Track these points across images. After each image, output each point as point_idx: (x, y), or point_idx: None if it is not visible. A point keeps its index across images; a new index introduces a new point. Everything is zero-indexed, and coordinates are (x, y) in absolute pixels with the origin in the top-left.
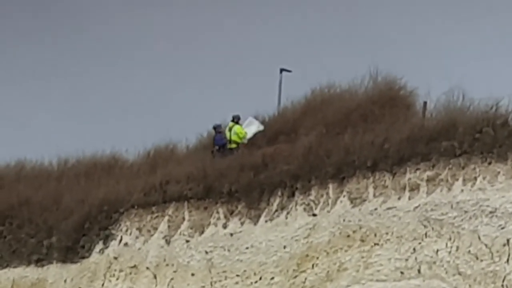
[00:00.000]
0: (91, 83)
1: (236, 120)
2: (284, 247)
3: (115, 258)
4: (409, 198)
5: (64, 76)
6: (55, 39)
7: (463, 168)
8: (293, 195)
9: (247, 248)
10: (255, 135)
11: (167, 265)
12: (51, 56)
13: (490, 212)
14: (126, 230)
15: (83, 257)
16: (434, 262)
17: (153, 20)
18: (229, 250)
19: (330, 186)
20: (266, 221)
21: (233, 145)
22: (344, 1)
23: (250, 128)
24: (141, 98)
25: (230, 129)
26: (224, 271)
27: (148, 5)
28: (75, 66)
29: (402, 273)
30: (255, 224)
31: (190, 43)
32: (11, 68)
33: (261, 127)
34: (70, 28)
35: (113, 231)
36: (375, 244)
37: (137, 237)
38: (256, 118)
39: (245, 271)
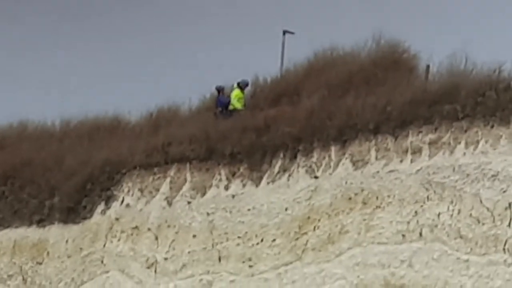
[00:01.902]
0: (94, 45)
1: (242, 85)
2: (286, 209)
3: (117, 219)
4: (411, 161)
5: (67, 37)
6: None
7: (465, 131)
8: (295, 157)
9: (248, 210)
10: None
11: (168, 226)
12: (53, 16)
13: (492, 176)
14: (128, 191)
15: (85, 218)
16: (436, 225)
17: None
18: (230, 212)
19: (332, 148)
20: (268, 183)
21: (232, 107)
22: None
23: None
24: (144, 60)
25: (233, 92)
26: (226, 233)
27: None
28: (78, 27)
29: (403, 236)
30: (257, 186)
31: (193, 4)
32: (12, 26)
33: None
34: None
35: (115, 192)
36: (377, 207)
37: (138, 198)
38: (258, 79)
39: (246, 232)
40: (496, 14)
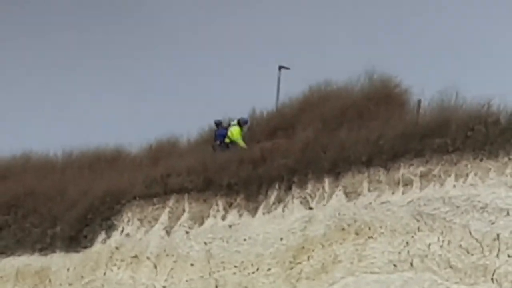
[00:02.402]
0: (95, 78)
1: (241, 123)
2: (281, 239)
3: (117, 248)
4: (403, 193)
5: (69, 71)
6: (61, 33)
7: (455, 164)
8: (290, 188)
9: (245, 239)
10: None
11: (167, 255)
12: (55, 51)
13: (481, 208)
14: (128, 221)
15: (86, 247)
16: (426, 256)
17: (158, 20)
18: (227, 242)
19: (326, 180)
20: (263, 214)
21: (228, 140)
22: (341, 0)
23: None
24: (144, 93)
25: (231, 127)
26: (223, 262)
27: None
28: (80, 61)
29: (395, 265)
30: (253, 216)
31: (192, 41)
32: (15, 62)
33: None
34: (78, 23)
35: (115, 222)
36: (369, 237)
37: (138, 228)
38: (254, 112)
39: (242, 262)
40: (485, 51)
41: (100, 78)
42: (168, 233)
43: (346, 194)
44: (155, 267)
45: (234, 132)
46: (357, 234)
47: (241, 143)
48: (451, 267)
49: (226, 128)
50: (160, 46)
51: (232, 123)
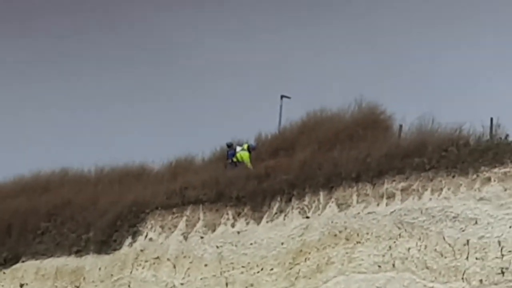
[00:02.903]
0: (124, 107)
1: (250, 149)
2: (282, 243)
3: (141, 250)
4: (386, 205)
5: (103, 99)
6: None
7: (431, 180)
8: (290, 200)
9: (251, 244)
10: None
11: (184, 257)
12: (91, 80)
13: (453, 217)
14: (151, 228)
15: (115, 250)
16: (406, 258)
17: (183, 56)
18: (236, 245)
19: (321, 193)
20: (267, 222)
21: (239, 160)
22: (335, 38)
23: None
24: (166, 119)
25: (241, 149)
26: (232, 263)
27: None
28: (112, 91)
29: (379, 266)
30: (258, 224)
31: (207, 75)
32: (49, 87)
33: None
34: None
35: (140, 228)
36: (357, 242)
37: (160, 234)
38: (260, 135)
39: (249, 263)
40: (458, 84)
41: (130, 106)
42: (185, 238)
43: (338, 205)
44: (174, 267)
45: (244, 156)
46: (347, 239)
47: (249, 165)
48: (427, 268)
49: (235, 149)
50: (181, 80)
51: (240, 147)
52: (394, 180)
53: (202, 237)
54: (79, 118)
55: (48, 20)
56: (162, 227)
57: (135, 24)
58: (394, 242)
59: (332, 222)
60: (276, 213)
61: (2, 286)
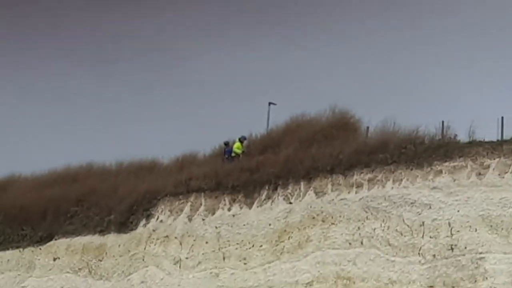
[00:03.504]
0: (142, 112)
1: (242, 140)
2: (269, 224)
3: (154, 230)
4: (355, 193)
5: (122, 107)
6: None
7: (392, 172)
8: (276, 189)
9: (244, 225)
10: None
11: (189, 235)
12: (110, 86)
13: (411, 203)
14: (161, 211)
15: (132, 229)
16: (372, 237)
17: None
18: (232, 226)
19: (302, 183)
20: (257, 207)
21: (234, 154)
22: (315, 54)
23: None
24: (174, 122)
25: (235, 144)
26: (228, 240)
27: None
28: (129, 99)
29: (350, 243)
30: (250, 208)
31: (208, 86)
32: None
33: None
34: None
35: (152, 212)
36: (331, 223)
37: (168, 216)
38: (251, 135)
39: (242, 240)
40: (415, 92)
41: (144, 112)
42: (189, 220)
43: (316, 193)
44: (181, 244)
45: (236, 146)
46: (323, 221)
47: (239, 152)
48: (389, 245)
49: (231, 147)
50: (187, 90)
51: (235, 141)
52: (362, 172)
53: (203, 219)
54: (103, 121)
55: (74, 21)
56: (170, 211)
57: (145, 33)
58: (362, 223)
59: (310, 207)
60: (264, 200)
61: (39, 260)
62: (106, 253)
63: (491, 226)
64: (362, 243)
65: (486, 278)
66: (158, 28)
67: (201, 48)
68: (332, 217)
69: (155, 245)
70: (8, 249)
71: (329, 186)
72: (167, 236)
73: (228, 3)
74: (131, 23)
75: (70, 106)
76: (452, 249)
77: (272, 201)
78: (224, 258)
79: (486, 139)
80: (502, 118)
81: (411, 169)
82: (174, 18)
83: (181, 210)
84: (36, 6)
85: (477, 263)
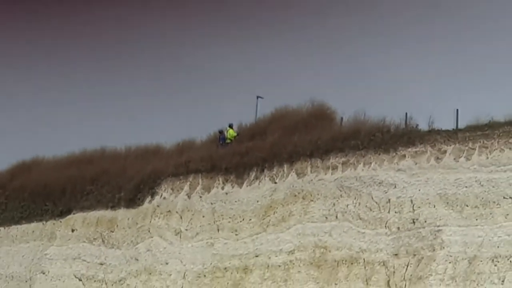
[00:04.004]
0: (148, 103)
1: (231, 126)
2: (257, 201)
3: (158, 206)
4: (331, 174)
5: (128, 97)
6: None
7: (363, 156)
8: (263, 171)
9: (235, 201)
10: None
11: (188, 210)
12: (121, 79)
13: (379, 183)
14: (164, 190)
15: (139, 205)
16: (345, 212)
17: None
18: (225, 203)
19: (285, 166)
20: (247, 186)
21: (228, 141)
22: (298, 51)
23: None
24: (175, 112)
25: (227, 131)
26: (222, 215)
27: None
28: (136, 94)
29: (326, 218)
30: (240, 187)
31: (205, 80)
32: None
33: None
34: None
35: (157, 190)
36: (310, 200)
37: (170, 194)
38: (242, 125)
39: (234, 215)
40: (383, 87)
41: (149, 103)
42: (188, 197)
43: (297, 174)
44: (181, 217)
45: (230, 132)
46: (303, 198)
47: (231, 136)
48: (360, 218)
49: (225, 134)
50: (187, 83)
51: (227, 128)
52: (337, 156)
53: (200, 197)
54: (114, 111)
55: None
56: (172, 189)
57: (149, 32)
58: (337, 200)
59: (292, 186)
60: (253, 180)
61: (59, 231)
62: (117, 225)
63: (447, 203)
64: (336, 217)
65: (443, 247)
66: (167, 28)
67: (202, 49)
68: (311, 195)
69: (159, 218)
70: (32, 221)
71: (309, 168)
72: (169, 211)
73: (227, 5)
74: (137, 23)
75: (85, 98)
76: (414, 222)
77: (260, 181)
78: (218, 230)
79: (443, 128)
80: (457, 110)
81: (379, 154)
82: (177, 19)
83: (181, 189)
84: None
85: (435, 234)
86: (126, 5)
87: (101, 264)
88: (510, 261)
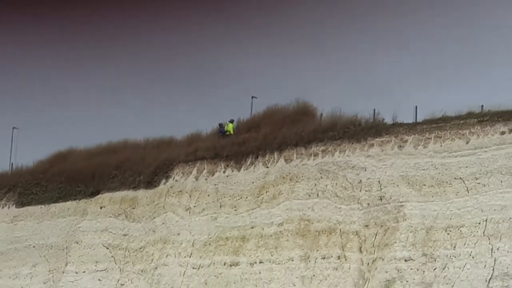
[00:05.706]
0: (162, 100)
1: (231, 121)
2: (253, 182)
3: (171, 187)
4: (313, 160)
5: (146, 94)
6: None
7: (339, 145)
8: (257, 158)
9: (235, 183)
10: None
11: (196, 191)
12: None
13: (352, 167)
14: (176, 173)
15: (156, 186)
16: (325, 190)
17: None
18: (226, 184)
19: (275, 153)
20: (244, 170)
21: (227, 133)
22: (287, 54)
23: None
24: (185, 109)
25: (226, 125)
26: (224, 194)
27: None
28: (154, 90)
29: (309, 195)
30: (238, 171)
31: (206, 81)
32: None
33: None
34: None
35: (170, 174)
36: (296, 181)
37: (181, 177)
38: (239, 120)
39: (233, 194)
40: (358, 86)
41: (164, 100)
42: (196, 179)
43: (285, 160)
44: (190, 196)
45: (230, 126)
46: (290, 180)
47: (231, 131)
48: (337, 196)
49: (224, 127)
50: (197, 84)
51: (227, 123)
52: (317, 145)
53: (206, 179)
54: (134, 108)
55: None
56: (183, 173)
57: (154, 33)
58: (318, 181)
59: (281, 170)
60: (249, 165)
61: (90, 208)
62: (138, 203)
63: (408, 183)
64: (318, 195)
65: (405, 219)
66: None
67: (204, 51)
68: (296, 177)
69: (172, 197)
70: (68, 200)
71: (295, 155)
72: (180, 191)
73: (227, 8)
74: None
75: (110, 99)
76: (381, 199)
77: (255, 166)
78: (220, 206)
79: (405, 122)
80: (416, 107)
81: (352, 143)
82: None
83: (190, 173)
84: None
85: (398, 209)
86: (134, 9)
87: (125, 235)
88: (460, 231)
